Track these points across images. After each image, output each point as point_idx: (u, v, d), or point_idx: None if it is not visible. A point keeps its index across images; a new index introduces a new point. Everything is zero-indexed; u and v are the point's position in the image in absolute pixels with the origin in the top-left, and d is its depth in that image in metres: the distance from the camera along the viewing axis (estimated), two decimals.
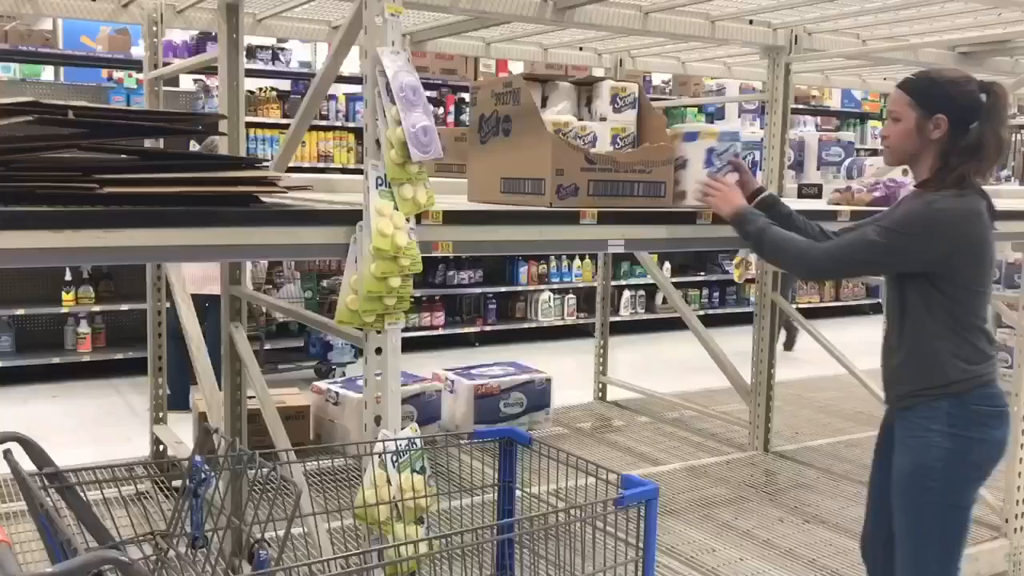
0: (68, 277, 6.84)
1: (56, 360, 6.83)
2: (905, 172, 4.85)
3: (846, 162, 4.71)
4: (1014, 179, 10.25)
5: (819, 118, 10.56)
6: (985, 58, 4.84)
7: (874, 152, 10.29)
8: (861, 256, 2.43)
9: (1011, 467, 3.68)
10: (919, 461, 2.35)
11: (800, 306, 9.51)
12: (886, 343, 2.52)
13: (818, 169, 4.67)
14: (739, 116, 5.69)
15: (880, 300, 8.00)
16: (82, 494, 1.97)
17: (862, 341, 7.80)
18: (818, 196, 4.09)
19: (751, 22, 4.28)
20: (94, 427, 5.68)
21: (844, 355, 4.42)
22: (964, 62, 4.85)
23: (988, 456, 2.36)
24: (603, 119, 2.98)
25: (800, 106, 10.03)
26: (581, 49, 5.33)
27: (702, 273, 9.66)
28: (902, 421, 2.44)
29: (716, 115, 9.54)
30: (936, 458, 2.32)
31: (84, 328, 6.93)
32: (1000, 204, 4.25)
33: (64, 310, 6.86)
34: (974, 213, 2.33)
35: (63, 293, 6.80)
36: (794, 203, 3.82)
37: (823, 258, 2.50)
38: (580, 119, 2.99)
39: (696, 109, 9.55)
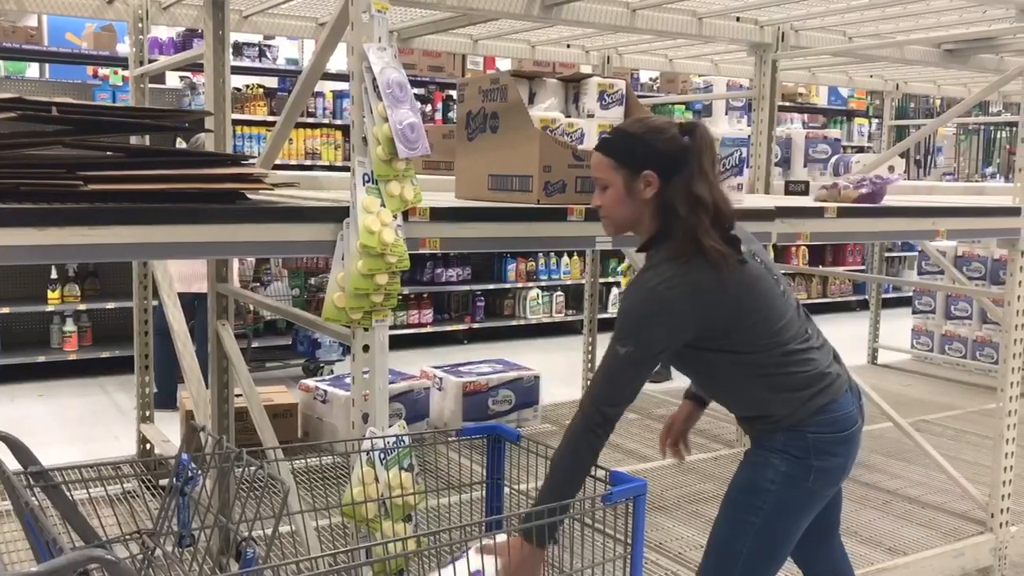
0: (53, 275, 6.80)
1: (41, 359, 6.79)
2: (891, 169, 4.89)
3: (832, 159, 4.73)
4: (999, 176, 10.32)
5: (806, 115, 10.59)
6: (970, 55, 4.86)
7: (860, 149, 10.35)
8: (628, 376, 2.09)
9: (996, 463, 3.71)
10: (754, 479, 2.21)
11: None
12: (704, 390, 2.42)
13: (805, 166, 4.68)
14: (726, 113, 5.69)
15: (867, 296, 8.02)
16: (68, 493, 1.96)
17: (849, 337, 7.85)
18: (805, 193, 4.10)
19: (738, 19, 4.29)
20: (80, 426, 5.65)
21: None
22: (950, 59, 4.87)
23: (826, 482, 2.22)
24: (590, 116, 2.98)
25: (787, 103, 10.06)
26: (568, 46, 5.33)
27: None
28: (751, 440, 2.30)
29: (703, 112, 9.55)
30: (770, 480, 2.18)
31: (70, 326, 6.89)
32: (986, 201, 4.29)
33: (49, 308, 6.82)
34: (699, 282, 2.07)
35: (48, 291, 6.76)
36: (781, 200, 3.83)
37: (598, 416, 2.07)
38: (567, 116, 2.99)
39: (683, 106, 9.56)
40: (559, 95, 3.06)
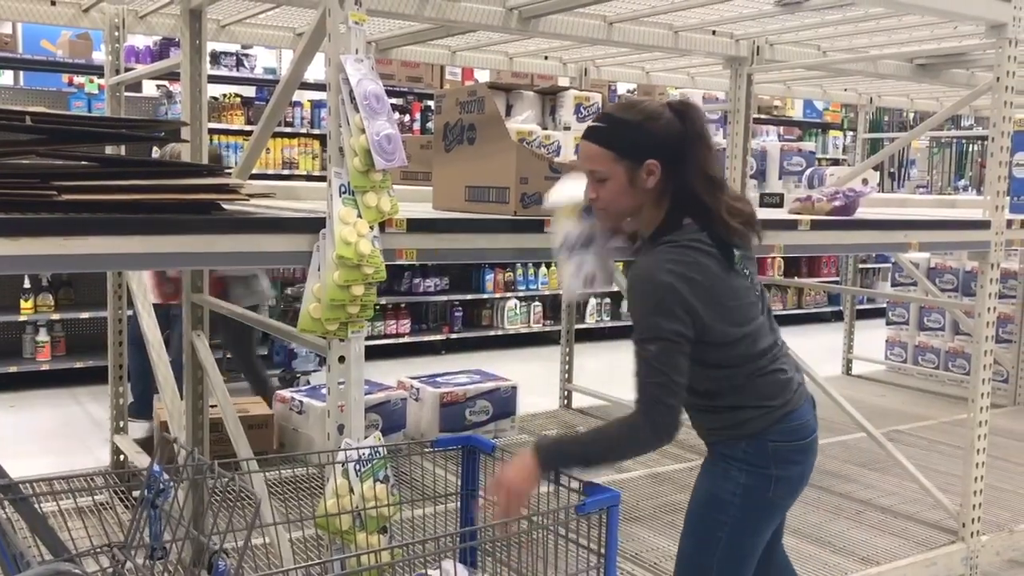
0: (27, 284, 6.73)
1: (13, 369, 6.70)
2: (865, 182, 4.94)
3: (807, 171, 4.77)
4: (971, 188, 10.45)
5: (781, 128, 10.69)
6: (942, 70, 4.93)
7: (835, 162, 10.45)
8: (670, 364, 2.00)
9: (967, 472, 3.75)
10: (714, 492, 2.20)
11: None
12: None
13: (780, 178, 4.73)
14: None
15: (842, 308, 8.10)
16: (37, 506, 1.94)
17: (823, 347, 7.92)
18: (779, 205, 4.15)
19: (714, 33, 4.33)
20: (52, 437, 5.59)
21: (805, 361, 4.43)
22: (922, 74, 4.94)
23: (787, 492, 2.22)
24: (567, 128, 3.00)
25: (762, 116, 10.15)
26: (546, 58, 5.36)
27: None
28: (708, 448, 2.30)
29: None
30: (731, 492, 2.17)
31: (43, 336, 6.82)
32: (957, 213, 4.35)
33: (22, 318, 6.74)
34: (693, 263, 2.05)
35: (21, 300, 6.69)
36: (756, 212, 3.86)
37: (656, 411, 2.01)
38: (544, 128, 3.00)
39: None
40: (536, 107, 3.08)
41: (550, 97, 3.10)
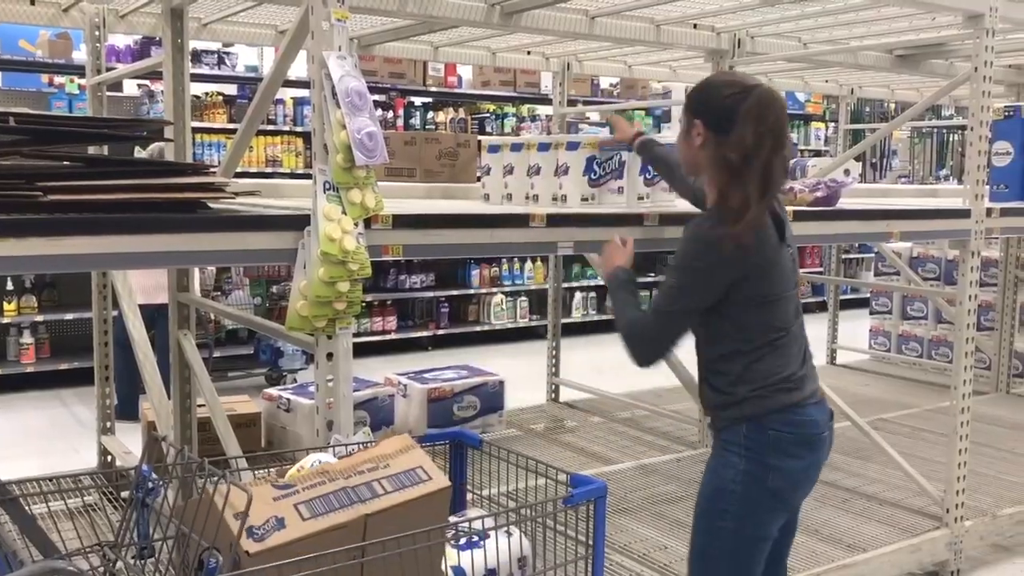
0: (10, 286, 6.70)
1: None
2: (847, 172, 4.97)
3: (789, 162, 4.80)
4: (952, 178, 10.53)
5: None
6: (921, 60, 4.97)
7: (817, 153, 10.51)
8: (675, 307, 2.24)
9: (951, 459, 3.79)
10: (717, 483, 2.26)
11: None
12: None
13: None
14: None
15: (825, 298, 8.15)
16: (26, 507, 1.93)
17: (810, 338, 7.94)
18: None
19: (695, 26, 4.34)
20: (39, 439, 5.57)
21: None
22: (901, 64, 4.98)
23: (786, 485, 2.23)
24: None
25: None
26: (529, 53, 5.37)
27: (652, 274, 9.75)
28: (714, 442, 2.34)
29: (663, 117, 9.65)
30: (732, 480, 2.21)
31: (27, 338, 6.79)
32: (939, 203, 4.39)
33: (6, 320, 6.71)
34: (737, 236, 2.16)
35: (4, 303, 6.66)
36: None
37: (647, 327, 2.29)
38: None
39: (644, 111, 9.65)
40: None
41: None
